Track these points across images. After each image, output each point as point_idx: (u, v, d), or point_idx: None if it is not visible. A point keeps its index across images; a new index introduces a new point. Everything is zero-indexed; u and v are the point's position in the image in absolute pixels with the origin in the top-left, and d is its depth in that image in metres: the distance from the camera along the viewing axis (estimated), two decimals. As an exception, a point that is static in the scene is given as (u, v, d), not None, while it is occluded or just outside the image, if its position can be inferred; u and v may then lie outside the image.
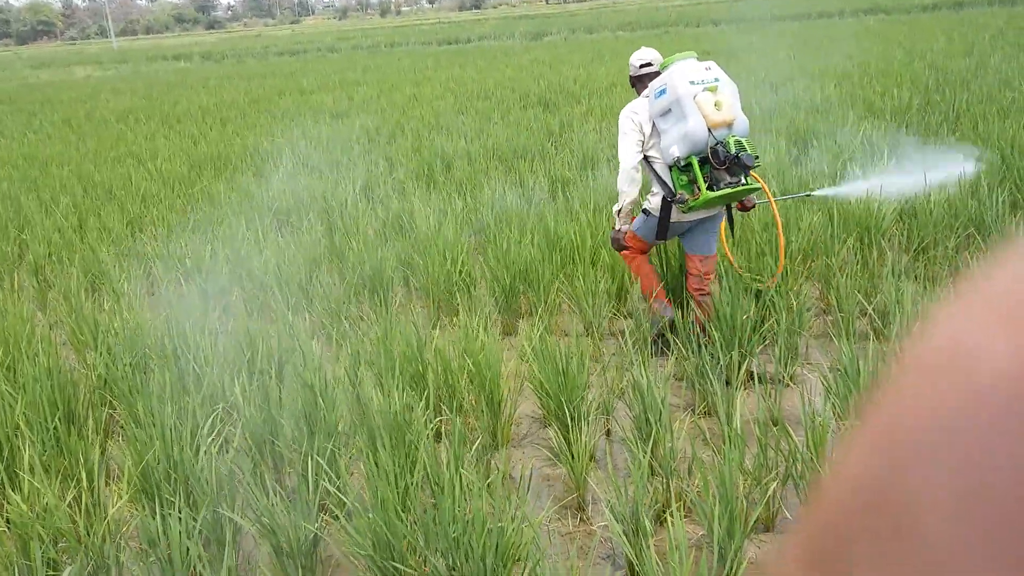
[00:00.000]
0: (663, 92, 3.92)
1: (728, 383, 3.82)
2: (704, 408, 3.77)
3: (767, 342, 4.24)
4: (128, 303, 4.97)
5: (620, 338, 4.26)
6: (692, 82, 3.85)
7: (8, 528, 2.82)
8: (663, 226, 4.12)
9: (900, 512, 0.25)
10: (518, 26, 42.06)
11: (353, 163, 9.04)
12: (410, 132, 10.75)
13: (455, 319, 4.88)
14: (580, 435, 3.28)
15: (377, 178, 8.20)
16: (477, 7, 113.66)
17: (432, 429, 3.35)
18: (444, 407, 3.75)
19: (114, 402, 3.84)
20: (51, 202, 7.84)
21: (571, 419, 3.39)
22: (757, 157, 3.88)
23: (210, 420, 3.32)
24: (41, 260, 6.05)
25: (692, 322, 4.19)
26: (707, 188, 3.87)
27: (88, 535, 2.63)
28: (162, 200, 7.65)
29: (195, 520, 2.72)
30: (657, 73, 4.18)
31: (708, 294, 4.25)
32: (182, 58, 38.42)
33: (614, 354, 4.28)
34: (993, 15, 23.67)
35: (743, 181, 3.89)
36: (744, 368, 3.87)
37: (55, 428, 3.26)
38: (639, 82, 4.32)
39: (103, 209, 7.45)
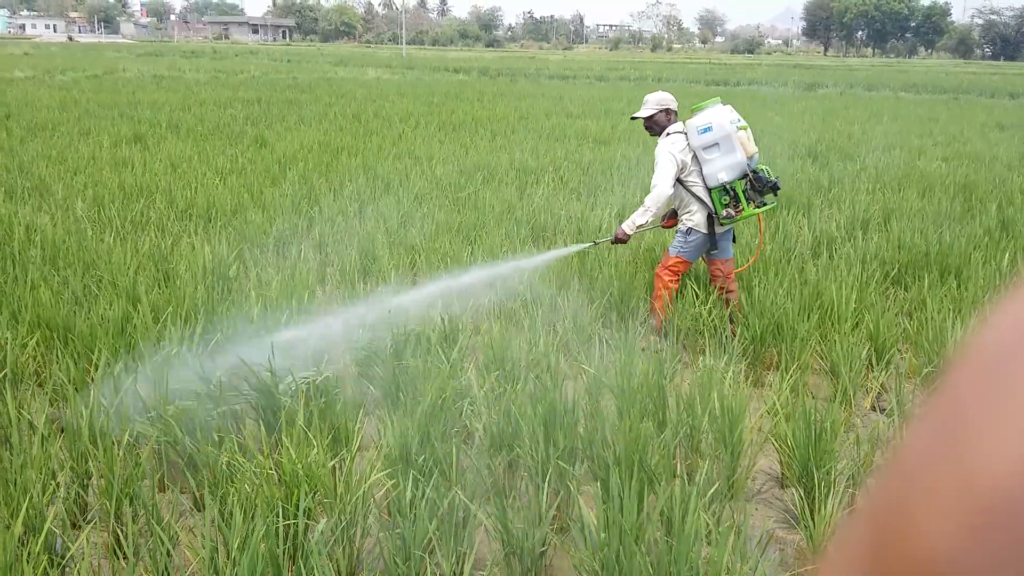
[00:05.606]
0: (708, 129, 4.78)
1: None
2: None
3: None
4: (395, 290, 5.35)
5: (877, 412, 3.98)
6: (732, 122, 4.80)
7: (277, 472, 3.12)
8: (712, 238, 5.01)
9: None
10: (791, 75, 40.72)
11: (611, 189, 9.16)
12: (671, 167, 10.70)
13: (699, 359, 4.80)
14: (826, 504, 3.09)
15: (633, 207, 8.24)
16: (751, 52, 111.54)
17: (670, 464, 3.30)
18: (681, 445, 3.69)
19: (372, 379, 4.13)
20: (339, 187, 8.62)
21: (817, 485, 3.21)
22: None
23: (460, 413, 3.48)
24: (326, 237, 6.66)
25: (727, 326, 4.99)
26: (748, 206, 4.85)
27: (346, 494, 2.84)
28: (433, 199, 8.17)
29: (437, 504, 2.86)
30: (673, 112, 5.08)
31: (734, 292, 5.17)
32: (461, 71, 40.84)
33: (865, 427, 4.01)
34: None
35: (766, 201, 4.95)
36: None
37: (326, 394, 3.56)
38: (660, 119, 5.07)
39: (381, 200, 8.07)
